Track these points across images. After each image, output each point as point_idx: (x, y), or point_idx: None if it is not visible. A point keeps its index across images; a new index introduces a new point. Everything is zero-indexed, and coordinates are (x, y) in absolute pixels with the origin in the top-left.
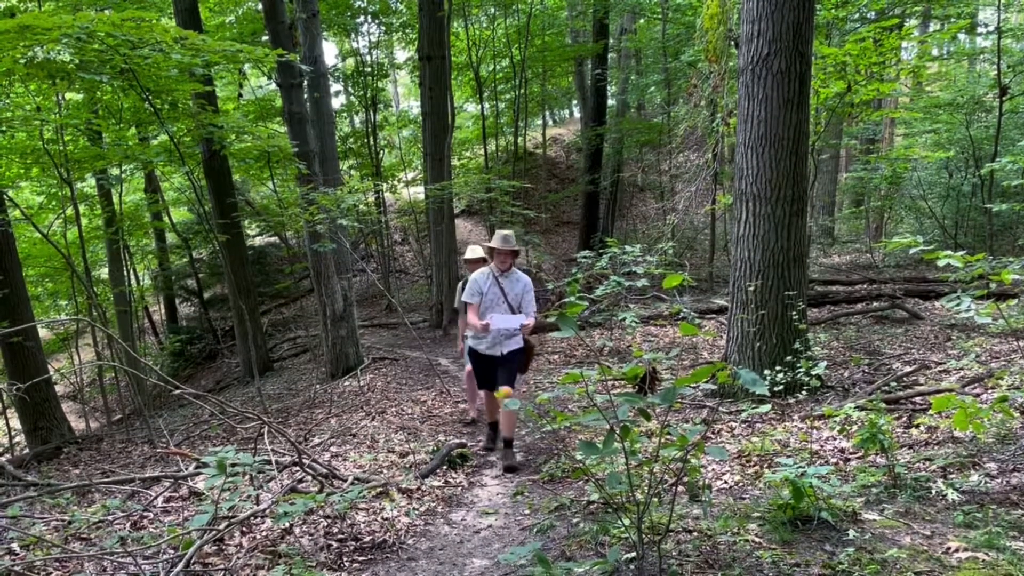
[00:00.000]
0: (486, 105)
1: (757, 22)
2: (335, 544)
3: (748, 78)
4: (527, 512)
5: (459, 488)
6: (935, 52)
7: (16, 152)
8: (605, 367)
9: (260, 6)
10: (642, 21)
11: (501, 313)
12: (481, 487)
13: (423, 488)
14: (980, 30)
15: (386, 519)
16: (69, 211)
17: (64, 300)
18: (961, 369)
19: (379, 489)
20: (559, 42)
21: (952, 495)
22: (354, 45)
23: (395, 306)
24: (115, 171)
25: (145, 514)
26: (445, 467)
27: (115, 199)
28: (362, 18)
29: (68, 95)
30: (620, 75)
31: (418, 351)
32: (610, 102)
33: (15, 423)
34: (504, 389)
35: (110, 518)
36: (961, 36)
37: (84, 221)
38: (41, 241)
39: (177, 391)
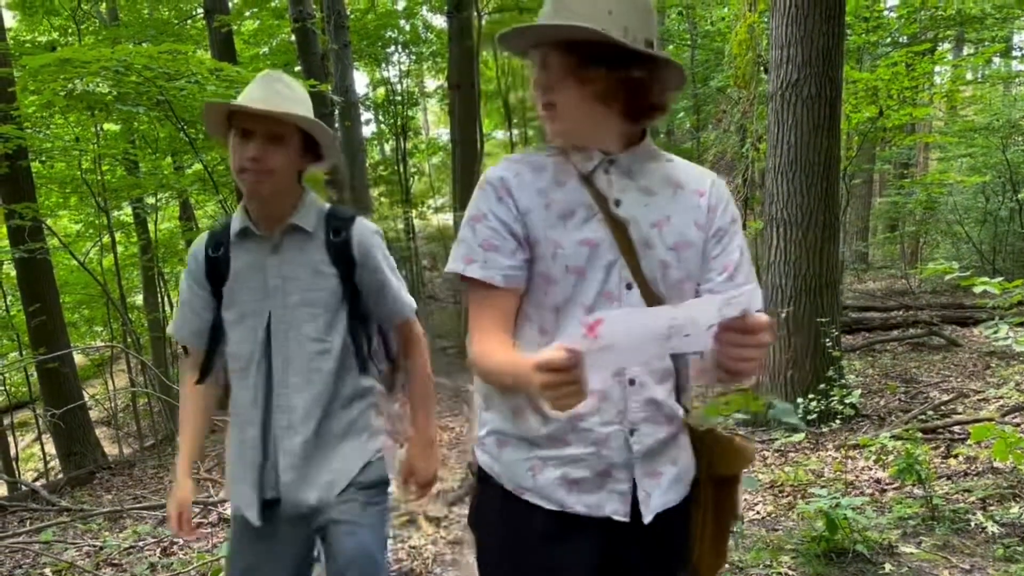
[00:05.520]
0: (515, 132)
1: (786, 47)
2: None
3: (778, 103)
4: None
5: None
6: (969, 76)
7: (55, 182)
8: None
9: (293, 38)
10: (671, 47)
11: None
12: None
13: (451, 516)
14: (1015, 53)
15: (413, 547)
16: (105, 239)
17: (99, 326)
18: (1000, 398)
19: (406, 517)
20: None
21: (992, 527)
22: (384, 74)
23: (424, 332)
24: (151, 199)
25: (175, 540)
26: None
27: (150, 227)
28: (393, 48)
29: (106, 126)
30: None
31: (446, 377)
32: None
33: (50, 448)
34: None
35: (141, 544)
36: (996, 60)
37: (120, 249)
38: (78, 269)
39: None
